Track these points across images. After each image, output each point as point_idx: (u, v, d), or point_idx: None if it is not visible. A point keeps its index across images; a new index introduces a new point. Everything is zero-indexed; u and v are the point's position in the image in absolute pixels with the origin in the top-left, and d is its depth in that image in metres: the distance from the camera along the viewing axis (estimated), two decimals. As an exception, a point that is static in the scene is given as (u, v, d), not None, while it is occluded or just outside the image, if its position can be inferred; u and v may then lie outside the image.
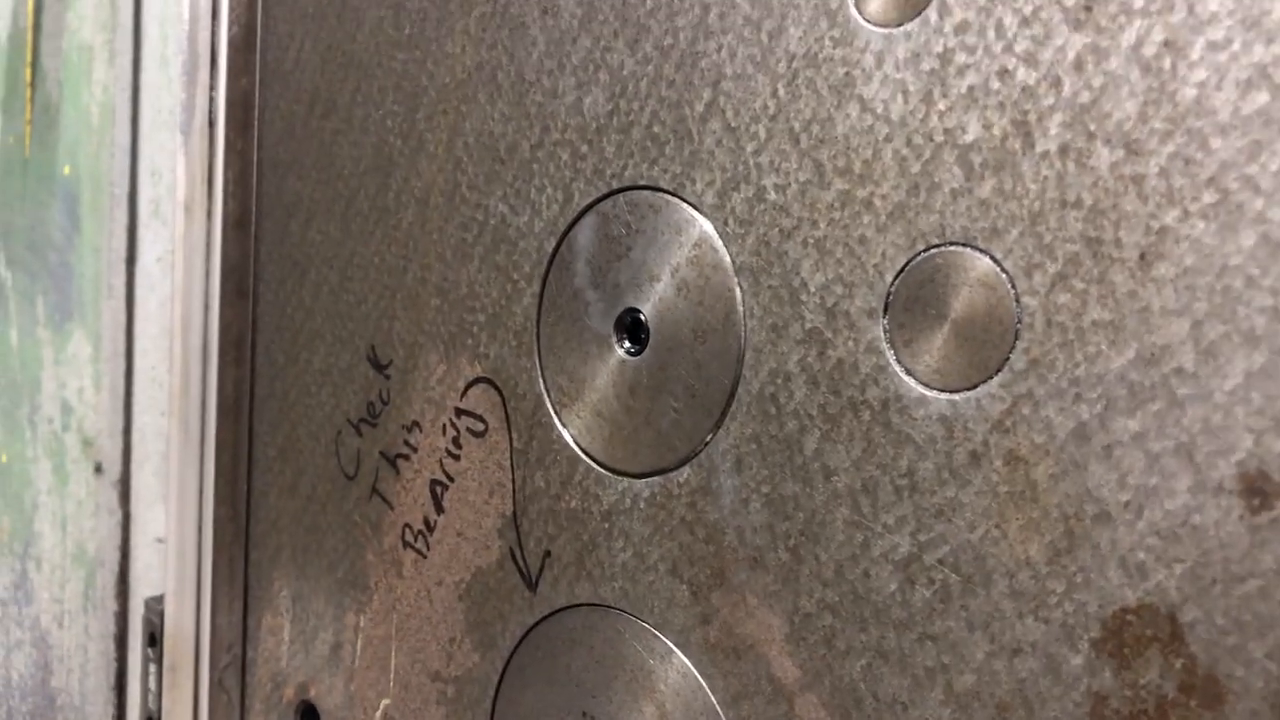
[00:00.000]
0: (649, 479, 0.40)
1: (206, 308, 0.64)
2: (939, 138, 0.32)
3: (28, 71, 0.92)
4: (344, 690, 0.52)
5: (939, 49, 0.32)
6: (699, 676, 0.38)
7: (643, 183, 0.40)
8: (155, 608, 0.74)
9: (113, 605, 0.85)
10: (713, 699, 0.38)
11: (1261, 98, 0.27)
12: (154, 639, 0.75)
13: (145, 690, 0.77)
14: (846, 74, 0.34)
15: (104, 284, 0.84)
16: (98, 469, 0.86)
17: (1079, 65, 0.30)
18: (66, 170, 0.88)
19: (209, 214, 0.64)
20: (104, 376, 0.84)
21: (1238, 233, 0.27)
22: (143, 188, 0.82)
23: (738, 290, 0.37)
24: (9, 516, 0.97)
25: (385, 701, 0.50)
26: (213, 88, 0.64)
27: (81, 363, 0.88)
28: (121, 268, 0.83)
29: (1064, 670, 0.30)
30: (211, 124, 0.64)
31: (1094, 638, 0.30)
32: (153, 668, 0.76)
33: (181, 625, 0.67)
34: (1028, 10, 0.31)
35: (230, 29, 0.59)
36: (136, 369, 0.83)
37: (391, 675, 0.49)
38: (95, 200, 0.84)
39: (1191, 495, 0.28)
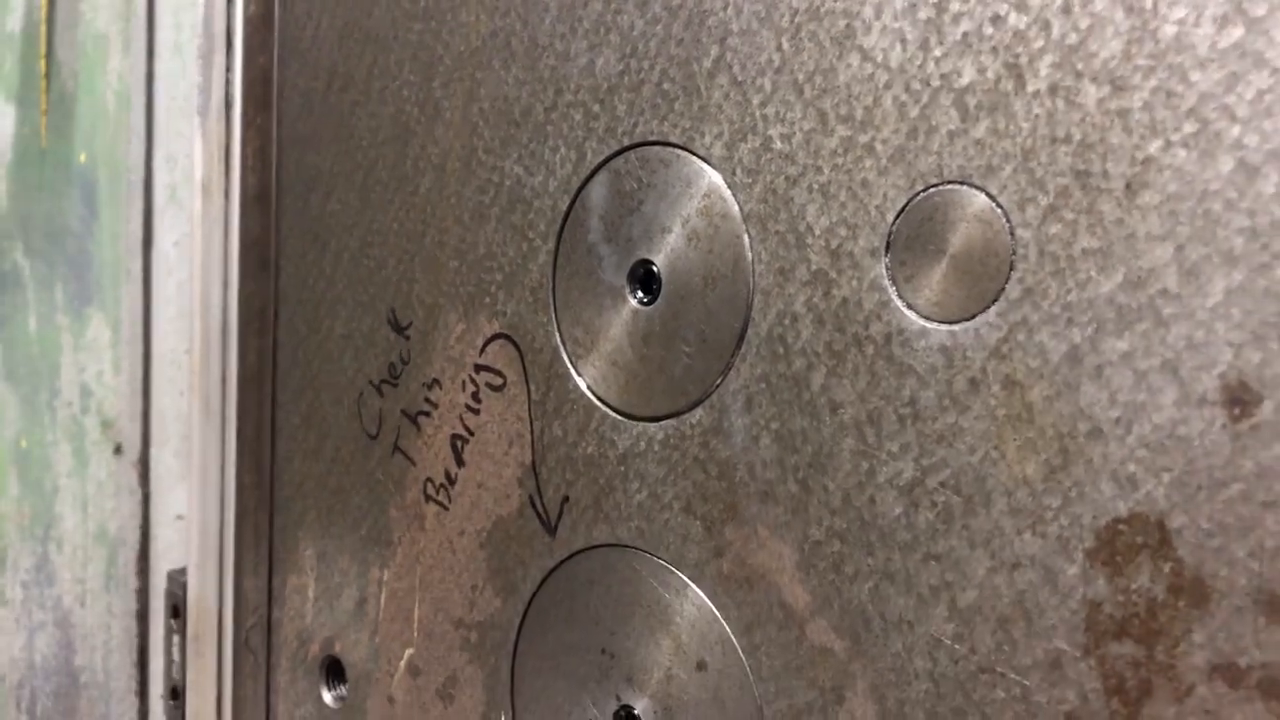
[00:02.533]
0: (663, 422, 0.42)
1: (226, 284, 0.66)
2: (936, 83, 0.34)
3: (42, 63, 0.94)
4: (369, 642, 0.54)
5: (934, -2, 0.34)
6: (713, 608, 0.40)
7: (653, 138, 0.42)
8: (178, 579, 0.76)
9: (134, 582, 0.87)
10: (727, 629, 0.40)
11: (1237, 32, 0.29)
12: (177, 611, 0.77)
13: (169, 662, 0.79)
14: (847, 25, 0.36)
15: (122, 269, 0.86)
16: (117, 450, 0.88)
17: (1066, 8, 0.32)
18: (83, 158, 0.90)
19: (226, 193, 0.66)
20: (123, 360, 0.86)
21: (1216, 159, 0.29)
22: (158, 173, 0.84)
23: (746, 237, 0.39)
24: (30, 501, 0.99)
25: (409, 651, 0.52)
26: (229, 69, 0.65)
27: (101, 347, 0.89)
28: (139, 252, 0.85)
29: (1060, 581, 0.32)
30: (229, 105, 0.66)
31: (1088, 548, 0.31)
32: (176, 639, 0.78)
33: (205, 594, 0.69)
34: (1018, -42, 0.32)
35: (247, 8, 0.61)
36: (155, 351, 0.85)
37: (415, 626, 0.51)
38: (112, 187, 0.86)
39: (1177, 408, 0.30)
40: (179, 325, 0.82)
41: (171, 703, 0.79)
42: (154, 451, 0.86)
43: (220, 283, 0.66)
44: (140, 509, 0.87)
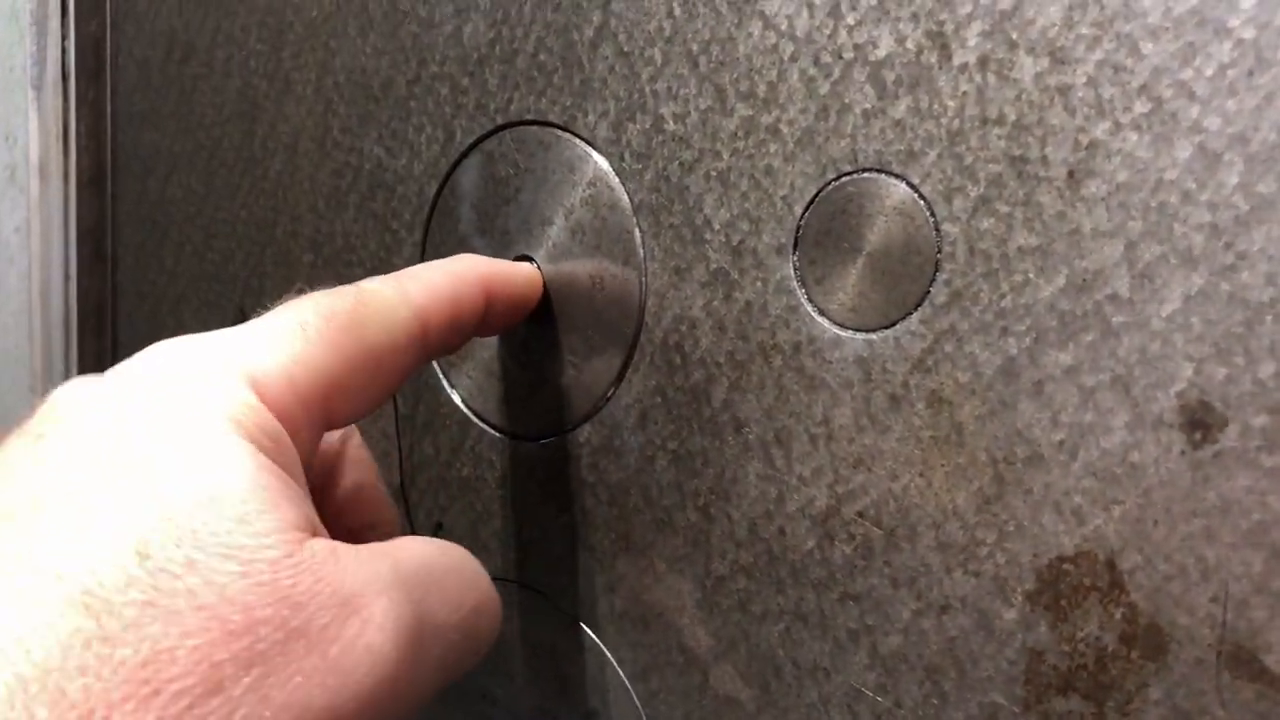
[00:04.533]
0: (546, 440, 0.37)
1: (67, 277, 0.59)
2: (848, 55, 0.30)
3: None
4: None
5: (847, -44, 0.29)
6: (604, 649, 0.35)
7: (530, 117, 0.36)
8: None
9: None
10: (620, 673, 0.35)
11: (1196, -5, 0.25)
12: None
13: None
14: (747, -12, 0.31)
15: (-42, 258, 0.77)
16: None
17: (998, -32, 0.27)
18: (-89, 136, 0.81)
19: (65, 175, 0.59)
20: (-38, 357, 0.78)
21: (1173, 144, 0.25)
22: (-3, 153, 0.76)
23: (637, 231, 0.34)
24: None
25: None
26: (65, 37, 0.58)
27: (-64, 344, 0.81)
28: (-23, 240, 0.76)
29: (997, 626, 0.28)
30: (65, 77, 0.59)
31: (1028, 590, 0.27)
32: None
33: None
34: (942, -91, 0.28)
35: (75, -32, 0.53)
36: (-3, 348, 0.77)
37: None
38: (-56, 167, 0.78)
39: (1129, 431, 0.26)
40: (22, 320, 0.74)
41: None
42: None
43: (62, 276, 0.59)
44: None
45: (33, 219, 0.62)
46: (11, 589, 0.20)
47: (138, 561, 0.21)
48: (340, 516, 0.32)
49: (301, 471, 0.26)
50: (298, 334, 0.26)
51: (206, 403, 0.24)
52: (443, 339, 0.31)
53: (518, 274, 0.34)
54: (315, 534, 0.24)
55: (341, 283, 0.40)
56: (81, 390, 0.25)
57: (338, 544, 0.24)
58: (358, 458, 0.32)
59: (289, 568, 0.22)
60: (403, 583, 0.24)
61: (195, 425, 0.23)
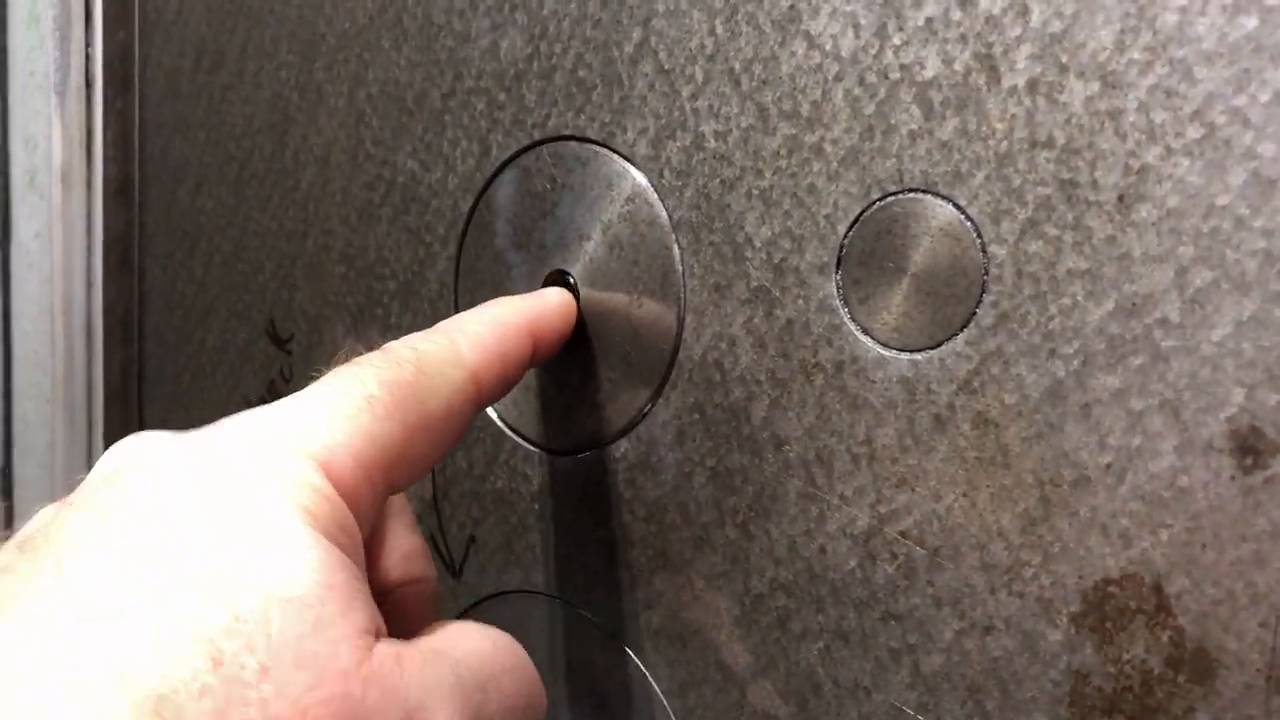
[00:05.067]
0: (582, 455, 0.37)
1: (89, 285, 0.59)
2: (895, 75, 0.30)
3: (-118, 33, 0.85)
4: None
5: (894, -23, 0.30)
6: (641, 666, 0.36)
7: (568, 133, 0.36)
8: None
9: (-3, 607, 0.79)
10: (656, 689, 0.35)
11: (1250, 22, 0.25)
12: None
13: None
14: (791, 7, 0.31)
15: (-24, 263, 0.78)
16: (-24, 462, 0.80)
17: (1048, -8, 0.27)
18: (-70, 140, 0.81)
19: (88, 183, 0.59)
20: (-21, 362, 0.78)
21: (1226, 170, 0.25)
22: (16, 158, 0.76)
23: (676, 248, 0.34)
24: (-121, 516, 0.90)
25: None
26: (89, 44, 0.58)
27: (-46, 348, 0.81)
28: (-4, 245, 0.77)
29: (1041, 647, 0.28)
30: (89, 84, 0.59)
31: (1073, 612, 0.28)
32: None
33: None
34: (991, -68, 0.28)
35: (104, -24, 0.54)
36: (15, 354, 0.77)
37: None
38: (-37, 174, 0.78)
39: (1178, 455, 0.26)
40: (42, 326, 0.74)
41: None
42: (16, 462, 0.78)
43: (84, 283, 0.60)
44: (1, 525, 0.79)
45: (54, 226, 0.62)
46: (78, 686, 0.20)
47: (211, 668, 0.20)
48: (382, 572, 0.31)
49: (363, 554, 0.26)
50: (364, 409, 0.26)
51: (279, 491, 0.23)
52: (493, 393, 0.31)
53: (557, 311, 0.34)
54: (379, 634, 0.23)
55: (373, 297, 0.40)
56: (149, 462, 0.24)
57: (402, 648, 0.24)
58: (401, 512, 0.31)
59: (359, 681, 0.22)
60: (463, 687, 0.24)
61: (268, 516, 0.23)
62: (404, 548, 0.30)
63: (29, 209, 0.75)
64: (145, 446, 0.25)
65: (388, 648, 0.23)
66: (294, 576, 0.22)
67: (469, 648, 0.26)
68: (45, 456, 0.75)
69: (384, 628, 0.24)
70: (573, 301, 0.35)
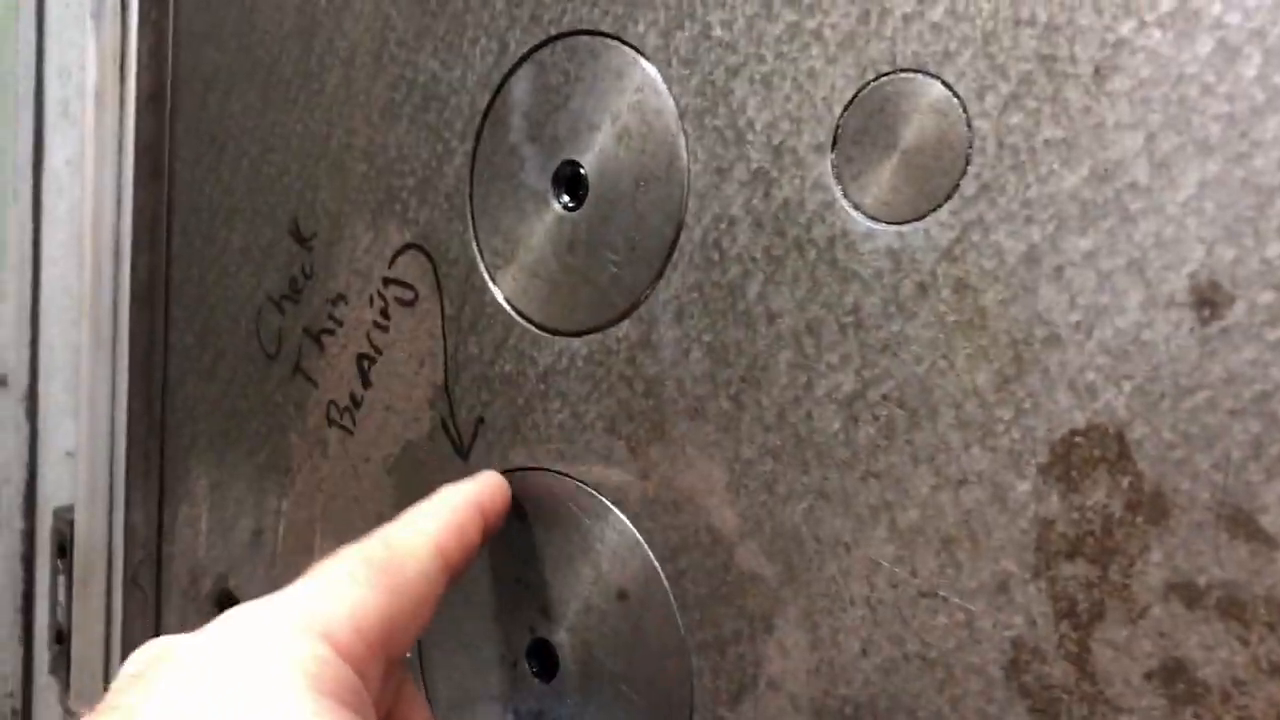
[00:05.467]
0: (586, 337, 0.39)
1: (119, 200, 0.61)
2: (891, -39, 0.31)
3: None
4: (265, 577, 0.50)
5: None
6: (637, 533, 0.37)
7: (582, 27, 0.38)
8: (65, 516, 0.71)
9: (19, 523, 0.81)
10: (651, 555, 0.37)
11: (1221, -101, 0.26)
12: (64, 549, 0.72)
13: (54, 604, 0.75)
14: (796, -101, 0.33)
15: (9, 190, 0.80)
16: (2, 383, 0.82)
17: (1036, -123, 0.29)
18: (-33, 71, 0.84)
19: (121, 101, 0.61)
20: (9, 285, 0.80)
21: (1195, 40, 0.27)
22: (50, 87, 0.78)
23: (681, 135, 0.36)
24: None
25: (309, 585, 0.48)
26: (123, -34, 0.60)
27: (-15, 273, 0.83)
28: (29, 172, 0.79)
29: (1010, 498, 0.30)
30: (124, 5, 0.61)
31: (1041, 463, 0.29)
32: (62, 579, 0.73)
33: (93, 531, 0.64)
34: None
35: (141, -107, 0.56)
36: (44, 278, 0.79)
37: (316, 558, 0.48)
38: (0, 103, 0.80)
39: (1142, 311, 0.28)
40: (70, 249, 0.76)
41: (57, 647, 0.74)
42: (42, 385, 0.80)
43: (114, 198, 0.62)
44: (27, 446, 0.81)
45: (87, 146, 0.64)
46: None
47: None
48: None
49: (373, 712, 0.28)
50: (350, 583, 0.29)
51: (286, 665, 0.26)
52: (459, 562, 0.34)
53: (498, 486, 0.38)
54: None
55: (392, 193, 0.42)
56: (168, 658, 0.27)
57: None
58: (411, 697, 0.35)
59: None
60: None
61: (279, 688, 0.25)
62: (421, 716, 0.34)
63: (60, 137, 0.78)
64: (164, 645, 0.27)
65: None
66: None
67: None
68: (70, 378, 0.77)
69: None
70: (504, 480, 0.39)
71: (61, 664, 0.73)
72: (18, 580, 0.82)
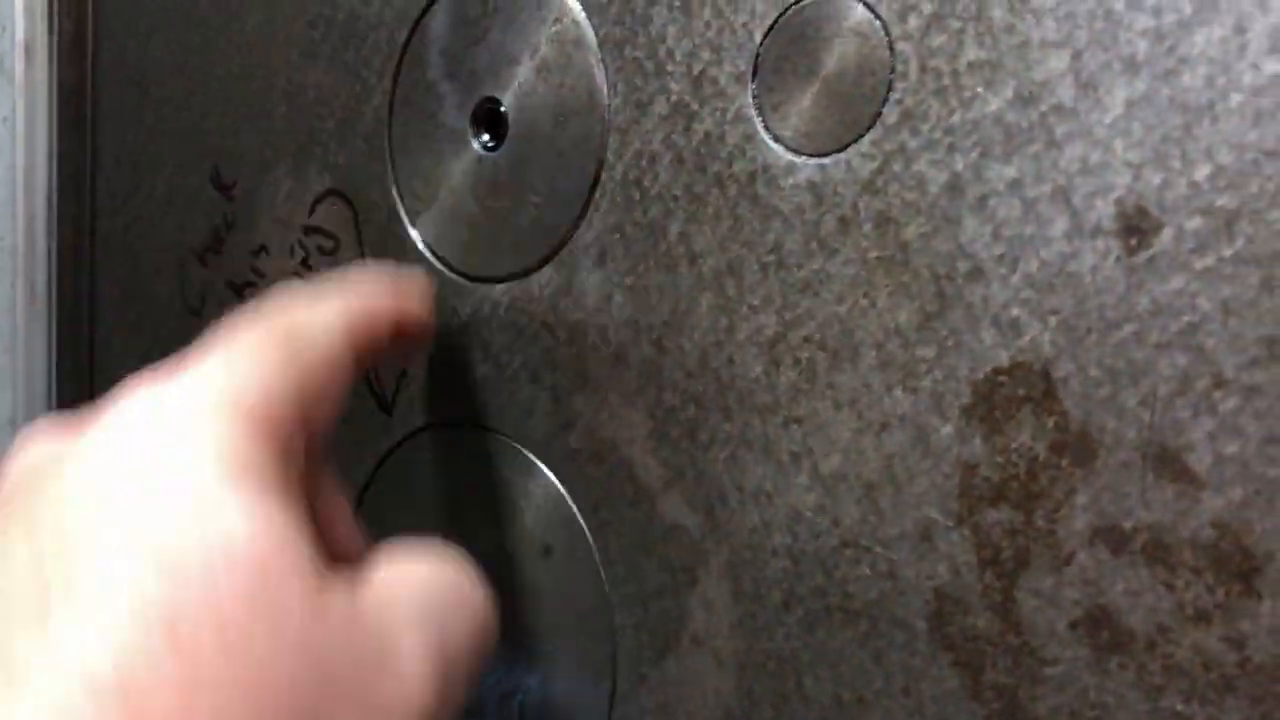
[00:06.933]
0: (508, 284, 0.37)
1: (50, 153, 0.59)
2: (811, -124, 0.30)
3: None
4: (194, 538, 0.49)
5: None
6: (560, 487, 0.36)
7: (499, -44, 0.36)
8: (4, 482, 0.70)
9: (-35, 490, 0.79)
10: (574, 509, 0.36)
11: None
12: (4, 515, 0.71)
13: None
14: None
15: (-52, 148, 0.77)
16: (-54, 347, 0.80)
17: None
18: (-99, 23, 0.81)
19: (50, 51, 0.59)
20: (-51, 247, 0.78)
21: (1122, -50, 0.25)
22: (-13, 43, 0.76)
23: (601, 67, 0.34)
24: None
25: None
26: (50, -92, 0.58)
27: (-76, 233, 0.81)
28: (-33, 130, 0.76)
29: (933, 441, 0.28)
30: (50, -49, 0.58)
31: (964, 404, 0.28)
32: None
33: (31, 496, 0.62)
34: None
35: None
36: (-15, 239, 0.77)
37: (243, 518, 0.46)
38: (-66, 55, 0.77)
39: (1068, 241, 0.26)
40: (7, 210, 0.74)
41: None
42: (-13, 349, 0.78)
43: (46, 153, 0.59)
44: (-29, 410, 0.79)
45: (18, 101, 0.62)
46: (38, 694, 0.19)
47: (168, 641, 0.20)
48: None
49: (300, 492, 0.25)
50: (254, 354, 0.26)
51: (201, 446, 0.23)
52: (366, 351, 0.30)
53: (417, 286, 0.35)
54: (330, 566, 0.23)
55: (313, 136, 0.40)
56: (60, 448, 0.24)
57: (356, 583, 0.23)
58: (331, 493, 0.31)
59: (319, 628, 0.21)
60: (424, 619, 0.24)
61: (195, 472, 0.22)
62: (339, 524, 0.30)
63: (-1, 93, 0.75)
64: (47, 432, 0.25)
65: (342, 586, 0.23)
66: (233, 528, 0.21)
67: (422, 575, 0.26)
68: (9, 339, 0.75)
69: (329, 563, 0.24)
70: (428, 286, 0.36)
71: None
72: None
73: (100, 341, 0.54)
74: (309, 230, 0.43)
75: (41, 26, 0.59)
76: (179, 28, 0.48)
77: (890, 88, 0.29)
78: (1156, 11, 0.25)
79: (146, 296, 0.51)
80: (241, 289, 0.46)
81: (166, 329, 0.50)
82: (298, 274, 0.43)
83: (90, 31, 0.53)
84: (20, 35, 0.61)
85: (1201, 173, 0.24)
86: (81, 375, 0.55)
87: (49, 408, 0.60)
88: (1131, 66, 0.25)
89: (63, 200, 0.55)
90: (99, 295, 0.54)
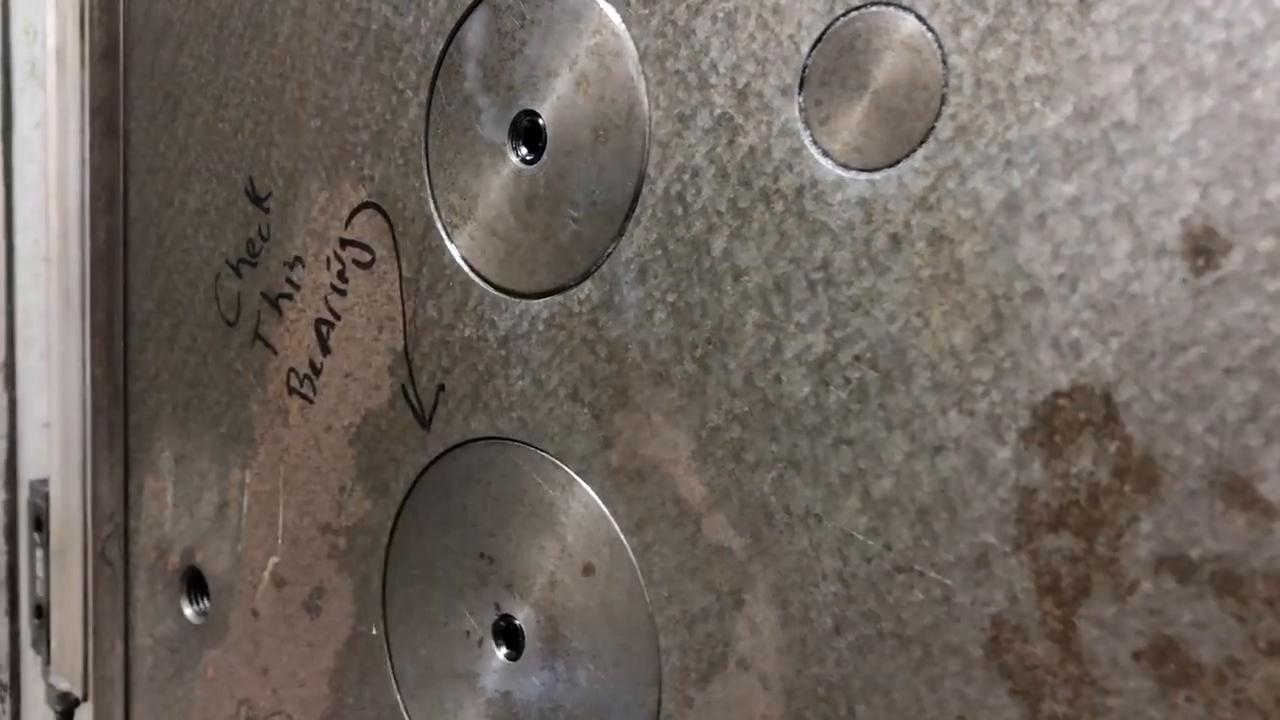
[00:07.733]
0: (547, 299, 0.37)
1: (83, 160, 0.59)
2: (860, -116, 0.29)
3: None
4: (231, 552, 0.49)
5: None
6: (602, 505, 0.35)
7: (537, -34, 0.36)
8: (40, 489, 0.70)
9: (1, 494, 0.80)
10: (616, 527, 0.35)
11: None
12: (40, 523, 0.71)
13: (33, 578, 0.73)
14: None
15: (-21, 155, 0.78)
16: (-21, 353, 0.81)
17: None
18: (-68, 32, 0.81)
19: (82, 59, 0.59)
20: (-18, 254, 0.78)
21: (1188, -39, 0.24)
22: (17, 49, 0.76)
23: (642, 80, 0.34)
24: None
25: (274, 560, 0.47)
26: (81, -81, 0.58)
27: (-43, 242, 0.81)
28: (-1, 136, 0.77)
29: (990, 465, 0.28)
30: (81, -40, 0.58)
31: (1023, 427, 0.27)
32: (39, 553, 0.72)
33: (68, 504, 0.63)
34: None
35: None
36: (17, 245, 0.77)
37: (280, 531, 0.46)
38: (-35, 63, 0.78)
39: (1131, 261, 0.25)
40: (39, 216, 0.74)
41: (36, 621, 0.73)
42: (19, 354, 0.79)
43: (78, 160, 0.59)
44: (6, 417, 0.80)
45: (50, 107, 0.62)
46: None
47: None
48: None
49: None
50: None
51: None
52: None
53: None
54: None
55: (346, 149, 0.40)
56: None
57: None
58: None
59: None
60: None
61: None
62: None
63: (29, 99, 0.75)
64: None
65: None
66: None
67: None
68: (45, 347, 0.75)
69: None
70: None
71: (42, 638, 0.72)
72: (1, 553, 0.80)
73: (134, 350, 0.54)
74: (345, 243, 0.42)
75: (73, 33, 0.59)
76: (210, 39, 0.47)
77: (944, 101, 0.28)
78: (1227, 25, 0.24)
79: (180, 308, 0.50)
80: (277, 300, 0.45)
81: (201, 340, 0.49)
82: (334, 286, 0.43)
83: (121, 41, 0.52)
84: (52, 43, 0.61)
85: (1275, 192, 0.23)
86: (115, 384, 0.55)
87: (83, 413, 0.60)
88: (1199, 81, 0.24)
89: (95, 210, 0.54)
90: (131, 305, 0.53)
